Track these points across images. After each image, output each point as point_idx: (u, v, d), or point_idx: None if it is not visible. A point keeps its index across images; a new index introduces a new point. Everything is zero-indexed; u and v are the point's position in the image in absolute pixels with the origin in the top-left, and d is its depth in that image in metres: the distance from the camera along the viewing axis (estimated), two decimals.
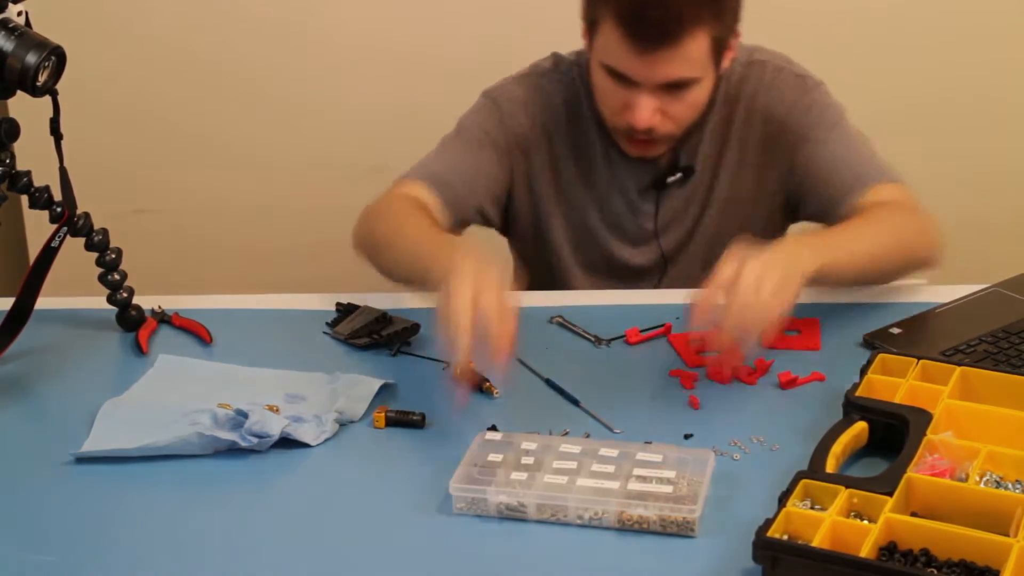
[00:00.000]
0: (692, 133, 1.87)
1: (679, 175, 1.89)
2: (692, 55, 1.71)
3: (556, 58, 1.94)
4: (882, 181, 1.80)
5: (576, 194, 1.93)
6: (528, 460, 1.39)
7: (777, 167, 1.89)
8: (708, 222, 1.93)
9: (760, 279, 1.48)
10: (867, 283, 1.76)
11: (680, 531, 1.29)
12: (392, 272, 1.75)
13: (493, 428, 1.47)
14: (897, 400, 1.43)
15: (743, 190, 1.91)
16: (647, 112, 1.75)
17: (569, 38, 1.93)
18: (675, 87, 1.74)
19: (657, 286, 1.96)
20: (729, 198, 1.91)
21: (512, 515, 1.34)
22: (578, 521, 1.32)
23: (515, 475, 1.36)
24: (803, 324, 1.70)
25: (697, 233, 1.94)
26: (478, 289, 1.44)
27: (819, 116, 1.85)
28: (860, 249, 1.68)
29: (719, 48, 1.75)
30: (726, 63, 1.81)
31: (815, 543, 1.20)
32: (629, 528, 1.30)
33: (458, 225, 1.88)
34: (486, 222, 1.94)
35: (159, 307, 1.82)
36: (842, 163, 1.82)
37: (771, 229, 1.94)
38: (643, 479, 1.34)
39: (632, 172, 1.90)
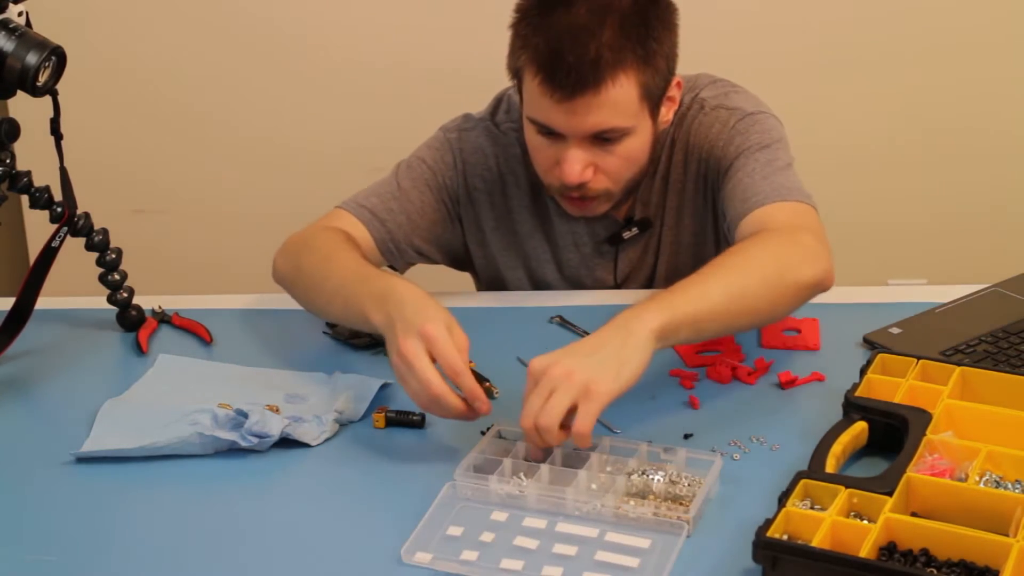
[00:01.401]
0: (642, 184, 1.80)
1: (635, 230, 1.82)
2: (618, 102, 1.61)
3: (511, 102, 1.87)
4: (770, 202, 1.65)
5: (534, 247, 1.89)
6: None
7: (709, 206, 1.81)
8: (661, 270, 1.87)
9: (549, 401, 1.35)
10: (743, 327, 1.58)
11: (674, 530, 1.29)
12: (322, 312, 1.70)
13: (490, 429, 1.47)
14: (897, 400, 1.43)
15: (685, 234, 1.84)
16: (577, 166, 1.65)
17: None
18: (605, 139, 1.65)
19: None
20: (675, 242, 1.85)
21: (512, 505, 1.34)
22: (576, 514, 1.33)
23: (519, 466, 1.38)
24: (803, 324, 1.70)
25: (655, 282, 1.88)
26: (433, 345, 1.41)
27: (739, 146, 1.73)
28: (716, 289, 1.47)
29: (651, 97, 1.66)
30: (667, 115, 1.74)
31: (815, 543, 1.20)
32: (625, 523, 1.31)
33: (396, 261, 1.83)
34: (428, 260, 1.89)
35: (159, 307, 1.82)
36: (739, 187, 1.70)
37: None
38: (645, 476, 1.35)
39: (588, 227, 1.85)
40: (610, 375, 1.35)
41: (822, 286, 1.57)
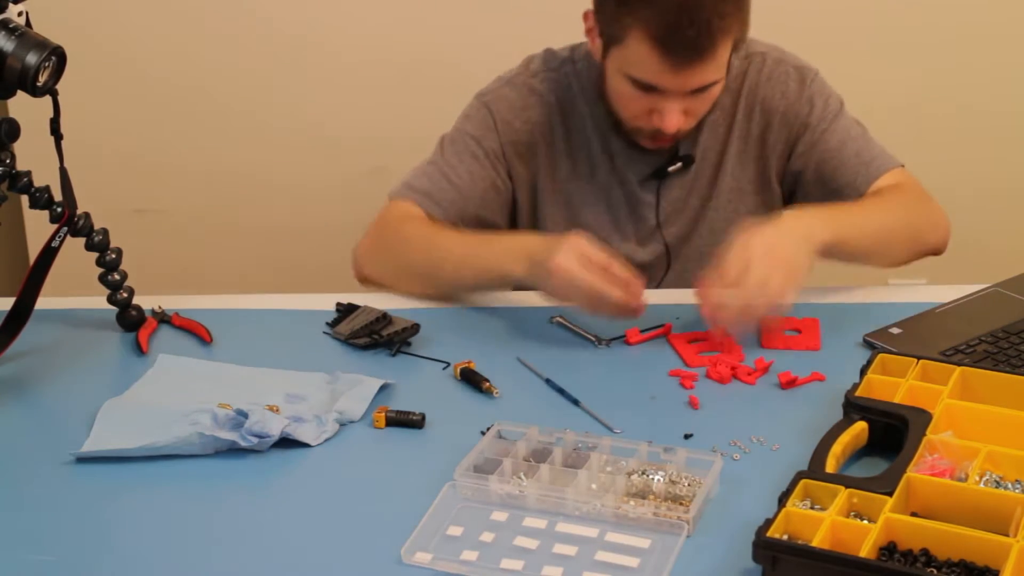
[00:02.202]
0: None
1: (679, 164, 1.89)
2: (721, 60, 1.72)
3: (547, 55, 1.94)
4: (889, 167, 1.86)
5: (575, 192, 1.93)
6: (533, 453, 1.41)
7: (778, 159, 1.91)
8: (712, 215, 1.93)
9: (767, 276, 1.58)
10: (873, 262, 1.82)
11: (674, 530, 1.29)
12: (447, 290, 1.82)
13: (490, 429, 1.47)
14: (897, 400, 1.43)
15: (746, 181, 1.92)
16: (678, 117, 1.75)
17: (564, 40, 1.93)
18: (700, 90, 1.75)
19: (660, 283, 1.96)
20: (733, 189, 1.92)
21: (512, 505, 1.34)
22: (576, 514, 1.33)
23: (519, 465, 1.38)
24: (803, 324, 1.71)
25: (700, 226, 1.93)
26: (582, 255, 1.62)
27: (821, 108, 1.88)
28: (870, 226, 1.75)
29: (738, 46, 1.77)
30: None
31: (815, 543, 1.20)
32: (625, 523, 1.31)
33: None
34: (488, 228, 1.93)
35: (159, 307, 1.82)
36: (848, 152, 1.86)
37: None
38: (645, 476, 1.35)
39: (631, 164, 1.90)
40: (792, 284, 1.61)
41: (941, 250, 1.86)
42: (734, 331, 1.64)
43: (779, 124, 1.89)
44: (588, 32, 1.81)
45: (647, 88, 1.74)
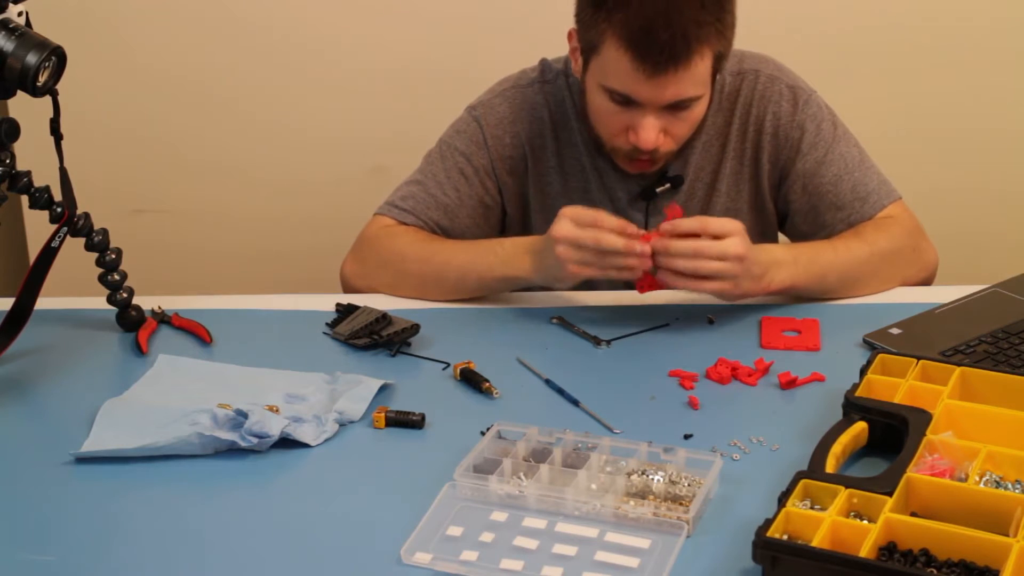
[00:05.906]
0: (685, 145, 1.85)
1: (667, 185, 1.86)
2: (697, 74, 1.68)
3: (543, 66, 1.91)
4: (886, 203, 1.84)
5: (566, 205, 1.91)
6: (533, 453, 1.41)
7: (770, 178, 1.88)
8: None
9: (738, 262, 1.64)
10: (837, 297, 1.79)
11: (674, 530, 1.29)
12: (450, 295, 1.82)
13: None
14: (897, 400, 1.43)
15: (741, 202, 1.89)
16: (653, 133, 1.72)
17: (563, 42, 1.93)
18: (678, 106, 1.71)
19: None
20: (729, 210, 1.88)
21: (512, 505, 1.34)
22: (576, 514, 1.33)
23: (519, 466, 1.38)
24: (803, 324, 1.71)
25: None
26: (576, 218, 1.67)
27: (814, 134, 1.85)
28: (837, 269, 1.76)
29: (720, 64, 1.73)
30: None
31: (815, 543, 1.20)
32: (625, 523, 1.31)
33: None
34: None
35: (159, 307, 1.82)
36: (844, 187, 1.84)
37: (767, 240, 1.91)
38: (645, 476, 1.35)
39: (621, 182, 1.87)
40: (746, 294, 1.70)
41: (922, 282, 1.85)
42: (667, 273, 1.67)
43: (769, 144, 1.86)
44: (572, 52, 1.79)
45: (624, 101, 1.71)
